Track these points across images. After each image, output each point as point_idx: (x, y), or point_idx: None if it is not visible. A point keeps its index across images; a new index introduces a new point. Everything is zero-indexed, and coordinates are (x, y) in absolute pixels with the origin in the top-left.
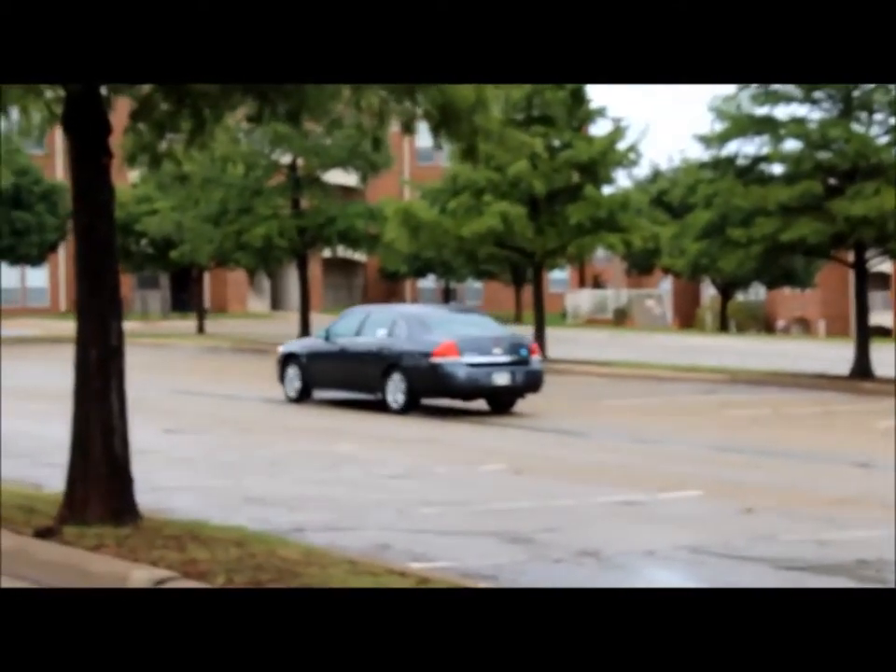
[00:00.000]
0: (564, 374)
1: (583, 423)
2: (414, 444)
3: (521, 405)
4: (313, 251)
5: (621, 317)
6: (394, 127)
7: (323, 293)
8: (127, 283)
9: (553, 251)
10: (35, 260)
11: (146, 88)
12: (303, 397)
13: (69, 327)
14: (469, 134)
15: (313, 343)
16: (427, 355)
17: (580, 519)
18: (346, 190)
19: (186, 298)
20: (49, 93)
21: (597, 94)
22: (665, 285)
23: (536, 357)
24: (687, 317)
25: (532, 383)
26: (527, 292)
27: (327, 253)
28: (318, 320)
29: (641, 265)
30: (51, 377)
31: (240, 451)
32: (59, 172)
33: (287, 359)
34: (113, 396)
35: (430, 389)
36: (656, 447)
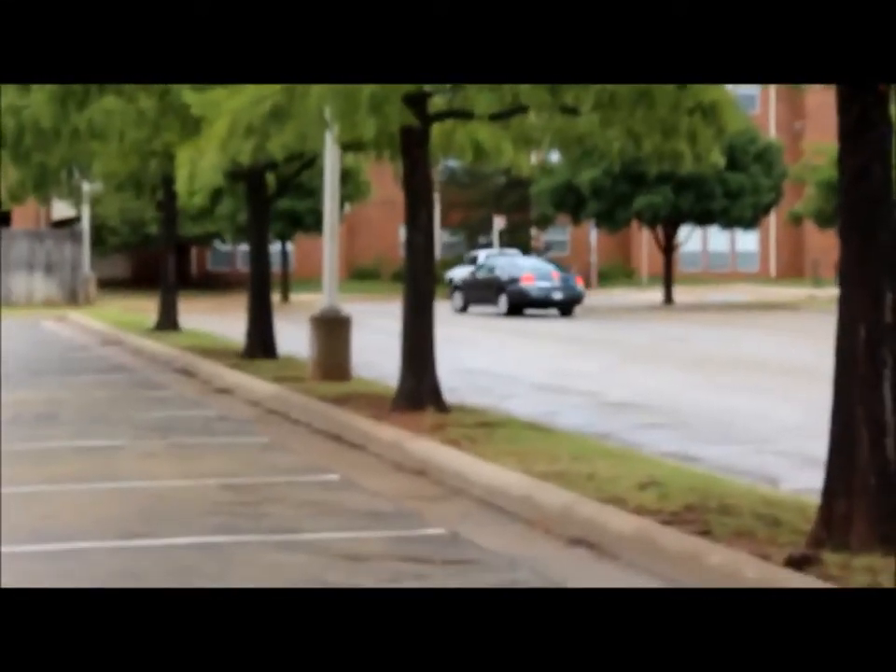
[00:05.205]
0: None
1: None
2: None
3: None
4: None
5: None
6: None
7: None
8: None
9: None
10: (748, 223)
11: None
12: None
13: (779, 293)
14: None
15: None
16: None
17: None
18: None
19: None
20: None
21: None
22: None
23: (580, 285)
24: None
25: (576, 299)
26: None
27: None
28: None
29: None
30: (761, 346)
31: None
32: (772, 130)
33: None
34: (885, 386)
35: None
36: None
